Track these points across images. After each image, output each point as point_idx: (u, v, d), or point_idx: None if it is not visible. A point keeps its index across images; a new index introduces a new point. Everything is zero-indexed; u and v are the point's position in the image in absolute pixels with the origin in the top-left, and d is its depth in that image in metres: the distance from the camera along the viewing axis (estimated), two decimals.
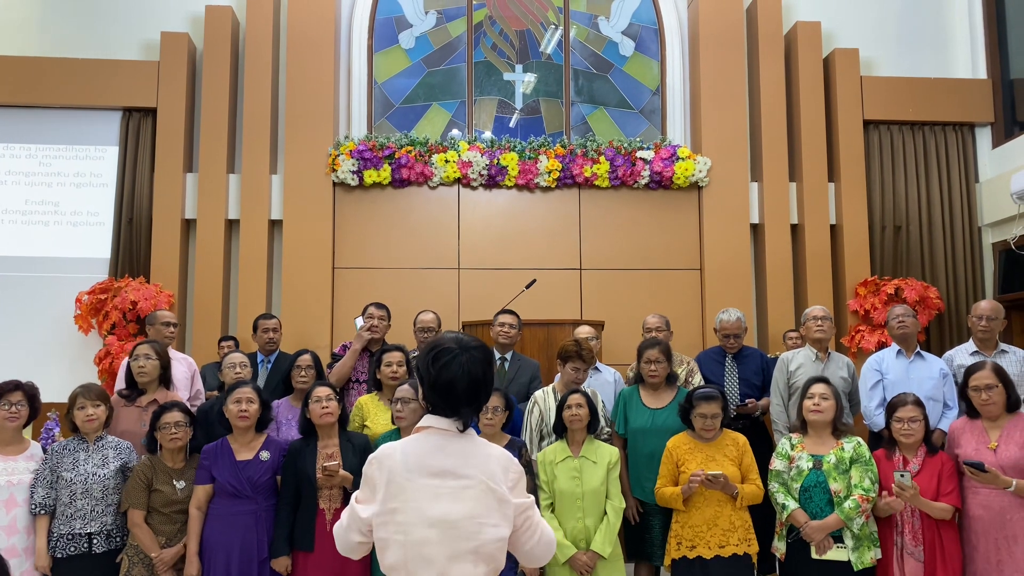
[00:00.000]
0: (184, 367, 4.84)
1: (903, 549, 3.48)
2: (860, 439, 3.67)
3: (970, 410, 3.70)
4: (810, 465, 3.59)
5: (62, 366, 6.28)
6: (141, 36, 6.93)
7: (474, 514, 1.90)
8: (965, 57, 7.42)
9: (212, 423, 3.91)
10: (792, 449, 3.68)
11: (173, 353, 4.91)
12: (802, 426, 3.73)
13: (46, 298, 6.53)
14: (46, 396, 4.92)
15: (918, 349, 4.61)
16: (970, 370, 3.70)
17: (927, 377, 4.45)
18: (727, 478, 3.51)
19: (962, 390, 3.73)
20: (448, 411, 1.97)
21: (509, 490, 1.95)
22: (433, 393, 1.98)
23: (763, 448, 4.40)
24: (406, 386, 3.67)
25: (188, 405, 4.24)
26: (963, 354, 4.62)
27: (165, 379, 4.06)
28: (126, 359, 4.23)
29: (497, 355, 4.71)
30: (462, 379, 1.95)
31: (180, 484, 3.53)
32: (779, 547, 3.63)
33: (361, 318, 4.79)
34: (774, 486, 3.64)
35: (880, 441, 4.01)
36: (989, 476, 3.39)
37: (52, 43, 6.88)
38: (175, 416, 3.57)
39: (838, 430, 3.67)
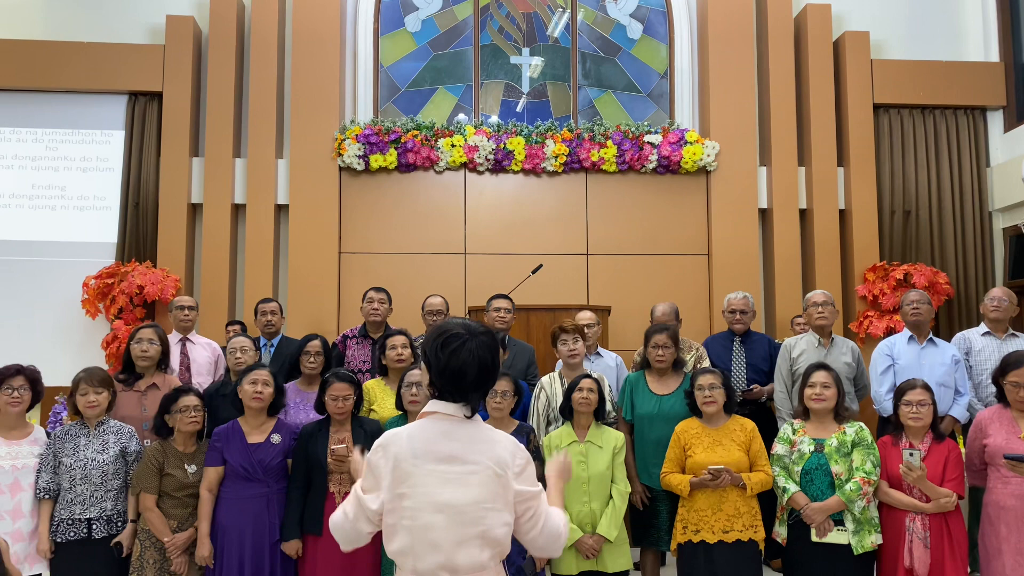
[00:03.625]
0: (208, 352, 4.85)
1: (914, 535, 3.45)
2: (862, 424, 3.65)
3: (1000, 396, 3.65)
4: (811, 448, 3.58)
5: (70, 350, 6.31)
6: (146, 20, 6.91)
7: (480, 499, 1.91)
8: (977, 40, 7.33)
9: (215, 406, 3.91)
10: (794, 434, 3.67)
11: (197, 338, 4.93)
12: (804, 412, 3.72)
13: (53, 283, 6.55)
14: (54, 380, 4.95)
15: (930, 335, 4.60)
16: (1009, 361, 3.59)
17: (939, 363, 4.44)
18: (730, 471, 3.49)
19: (996, 378, 3.66)
20: (456, 396, 1.97)
21: (516, 476, 1.95)
22: (442, 379, 1.96)
23: (770, 434, 4.39)
24: (418, 370, 3.66)
25: (200, 389, 4.25)
26: (975, 334, 4.69)
27: (164, 364, 4.06)
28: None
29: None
30: (472, 365, 1.94)
31: (191, 468, 3.53)
32: (780, 532, 3.62)
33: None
34: (775, 470, 3.63)
35: (888, 427, 3.99)
36: None
37: (57, 27, 6.86)
38: (192, 400, 3.57)
39: (840, 415, 3.65)
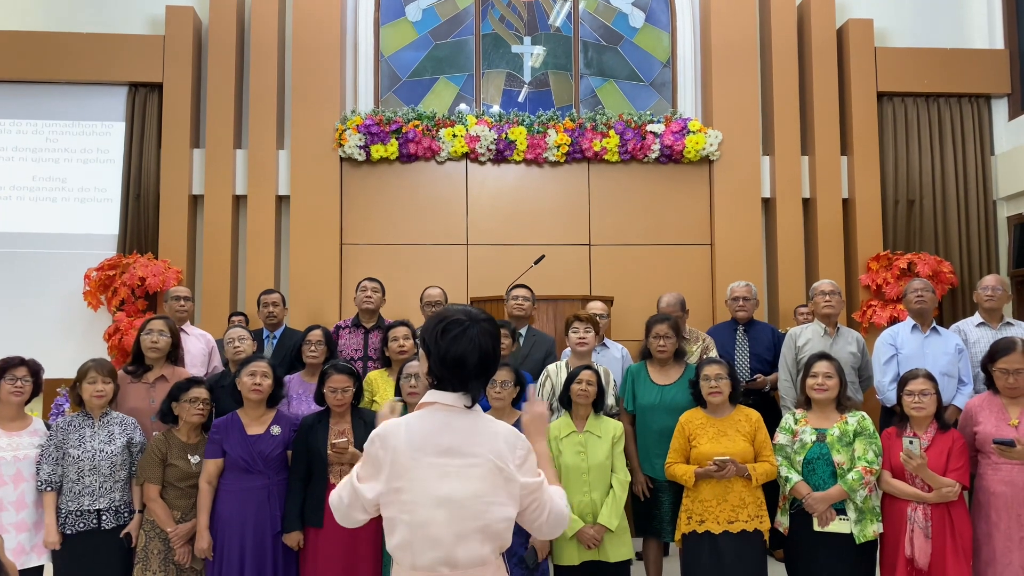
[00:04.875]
0: (202, 343, 4.84)
1: (915, 524, 3.44)
2: (864, 413, 3.64)
3: (989, 383, 3.63)
4: (813, 438, 3.57)
5: (72, 342, 6.30)
6: (146, 10, 6.87)
7: (481, 493, 1.86)
8: (981, 27, 7.28)
9: (214, 398, 3.91)
10: (796, 423, 3.66)
11: (191, 329, 4.92)
12: (806, 402, 3.71)
13: (55, 274, 6.54)
14: (56, 372, 4.96)
15: (934, 324, 4.57)
16: (998, 348, 3.56)
17: (942, 352, 4.41)
18: (735, 462, 3.48)
19: (985, 364, 3.64)
20: (457, 385, 1.91)
21: (517, 468, 1.90)
22: (442, 367, 1.90)
23: (774, 424, 4.39)
24: (416, 362, 3.65)
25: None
26: (970, 325, 4.66)
27: (173, 356, 4.05)
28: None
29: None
30: (472, 353, 1.89)
31: (195, 459, 3.53)
32: (783, 522, 3.62)
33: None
34: (777, 460, 3.62)
35: (892, 417, 3.97)
36: (1019, 451, 3.34)
37: (57, 18, 6.83)
38: (202, 392, 3.58)
39: (842, 405, 3.64)
